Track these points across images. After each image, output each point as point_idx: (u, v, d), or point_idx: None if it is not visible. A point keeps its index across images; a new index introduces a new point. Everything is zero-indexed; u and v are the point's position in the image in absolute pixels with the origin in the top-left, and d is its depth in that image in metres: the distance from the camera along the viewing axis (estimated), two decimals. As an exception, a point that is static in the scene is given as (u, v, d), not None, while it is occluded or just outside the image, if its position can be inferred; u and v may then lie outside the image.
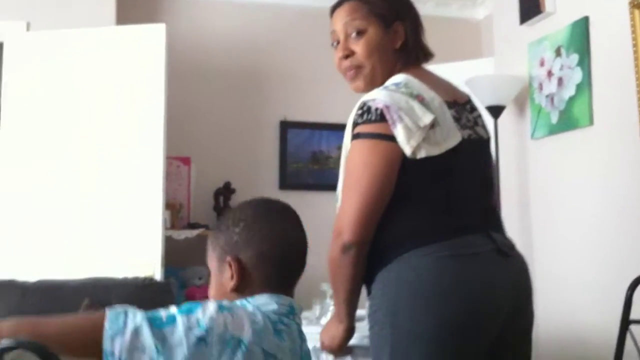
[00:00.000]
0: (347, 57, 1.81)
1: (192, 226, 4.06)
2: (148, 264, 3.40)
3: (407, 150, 1.59)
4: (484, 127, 1.82)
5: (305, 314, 3.07)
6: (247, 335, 1.22)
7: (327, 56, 4.85)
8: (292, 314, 1.35)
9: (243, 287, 1.34)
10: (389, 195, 1.60)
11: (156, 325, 1.18)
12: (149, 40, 3.55)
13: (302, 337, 1.37)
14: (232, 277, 1.33)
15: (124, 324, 1.17)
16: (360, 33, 1.79)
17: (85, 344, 1.17)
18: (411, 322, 1.58)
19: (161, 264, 3.42)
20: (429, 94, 1.66)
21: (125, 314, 1.20)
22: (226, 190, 4.20)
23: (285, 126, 4.48)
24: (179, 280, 3.93)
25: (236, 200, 4.23)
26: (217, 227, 1.42)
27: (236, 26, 4.50)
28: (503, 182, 3.68)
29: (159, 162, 3.47)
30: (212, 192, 4.21)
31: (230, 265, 1.33)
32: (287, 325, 1.32)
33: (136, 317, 1.19)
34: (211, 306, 1.23)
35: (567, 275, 3.22)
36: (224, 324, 1.21)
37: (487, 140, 1.82)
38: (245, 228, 1.35)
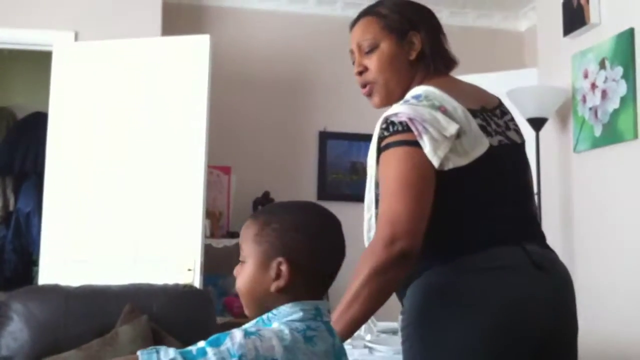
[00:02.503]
0: (361, 73, 1.80)
1: (231, 235, 4.10)
2: (188, 272, 3.44)
3: (435, 162, 1.54)
4: (516, 131, 1.75)
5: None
6: (278, 353, 1.21)
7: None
8: (319, 316, 1.32)
9: (286, 291, 1.31)
10: (431, 201, 1.55)
11: (189, 359, 1.17)
12: (194, 51, 3.60)
13: (332, 334, 1.34)
14: (277, 277, 1.30)
15: None
16: (373, 48, 1.77)
17: None
18: (440, 336, 1.56)
19: (201, 272, 3.46)
20: (451, 103, 1.62)
21: (157, 351, 1.18)
22: (265, 200, 4.23)
23: (325, 137, 4.50)
24: (218, 289, 3.97)
25: (275, 209, 4.26)
26: (267, 219, 1.35)
27: (278, 37, 4.54)
28: (545, 196, 3.63)
29: (200, 171, 3.52)
30: (251, 201, 4.24)
31: (279, 266, 1.29)
32: (315, 329, 1.30)
33: (168, 352, 1.18)
34: (238, 334, 1.21)
35: (610, 289, 3.16)
36: (254, 349, 1.19)
37: (522, 145, 1.76)
38: (304, 234, 1.32)
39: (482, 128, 1.63)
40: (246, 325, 1.28)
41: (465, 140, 1.59)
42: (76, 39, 3.85)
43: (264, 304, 1.31)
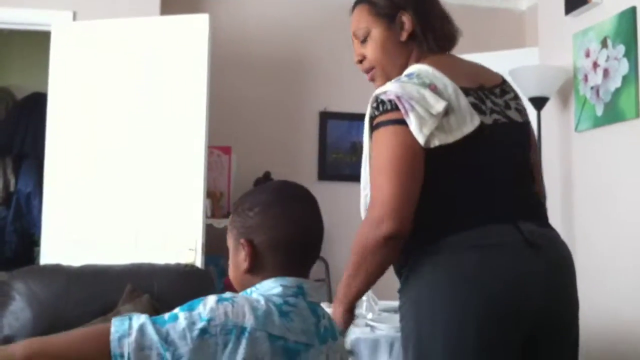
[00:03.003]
0: (360, 61, 1.84)
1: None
2: (189, 251, 3.45)
3: (421, 140, 1.56)
4: (518, 110, 1.75)
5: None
6: (249, 322, 1.24)
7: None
8: (300, 294, 1.35)
9: (256, 270, 1.35)
10: (420, 180, 1.57)
11: (159, 323, 1.21)
12: (192, 30, 3.58)
13: (317, 314, 1.36)
14: (245, 259, 1.35)
15: (129, 326, 1.20)
16: (366, 37, 1.82)
17: (95, 351, 1.20)
18: (432, 313, 1.58)
19: (202, 251, 3.47)
20: (442, 81, 1.63)
21: (130, 317, 1.22)
22: (266, 180, 4.22)
23: (325, 117, 4.49)
24: (219, 268, 3.98)
25: (276, 189, 4.26)
26: (234, 208, 1.42)
27: (278, 17, 4.51)
28: (546, 175, 3.62)
29: (200, 151, 3.51)
30: (252, 181, 4.24)
31: (243, 248, 1.35)
32: (294, 305, 1.32)
33: (140, 318, 1.22)
34: (211, 299, 1.25)
35: (611, 268, 3.17)
36: (224, 314, 1.23)
37: (523, 124, 1.76)
38: (259, 213, 1.36)
39: (475, 106, 1.64)
40: (224, 294, 1.31)
41: (453, 118, 1.60)
42: (74, 18, 3.82)
43: (246, 287, 1.35)
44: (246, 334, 1.22)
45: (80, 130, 3.60)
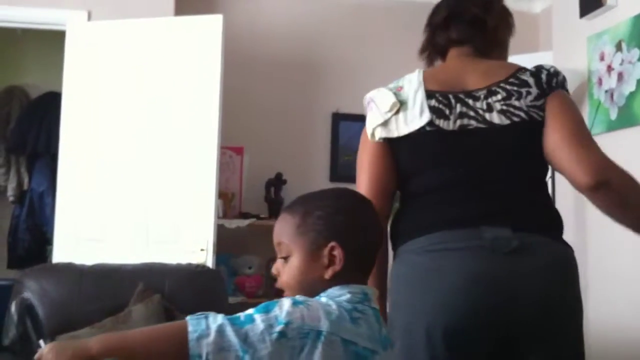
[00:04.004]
0: None
1: (243, 215, 4.11)
2: (200, 251, 3.46)
3: (368, 133, 1.76)
4: (505, 111, 1.68)
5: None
6: (324, 325, 1.22)
7: (381, 50, 4.84)
8: (366, 301, 1.32)
9: (341, 275, 1.32)
10: (380, 168, 1.73)
11: (237, 324, 1.19)
12: (207, 31, 3.59)
13: (379, 322, 1.34)
14: (329, 264, 1.31)
15: (206, 326, 1.17)
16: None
17: (173, 349, 1.18)
18: (390, 318, 1.64)
19: (213, 252, 3.48)
20: (413, 84, 1.75)
21: (206, 317, 1.20)
22: (278, 181, 4.23)
23: (338, 118, 4.48)
24: (229, 268, 3.99)
25: (287, 191, 4.26)
26: (306, 209, 1.35)
27: (292, 18, 4.52)
28: (558, 180, 3.61)
29: (213, 151, 3.53)
30: (263, 182, 4.25)
31: (331, 252, 1.31)
32: (362, 312, 1.29)
33: (217, 318, 1.20)
34: (286, 302, 1.23)
35: (624, 274, 3.15)
36: (301, 317, 1.21)
37: (508, 127, 1.67)
38: (352, 219, 1.34)
39: (435, 109, 1.69)
40: (296, 297, 1.28)
41: (403, 116, 1.71)
42: (89, 18, 3.84)
43: (316, 293, 1.31)
44: (322, 338, 1.21)
45: (94, 129, 3.62)
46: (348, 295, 1.30)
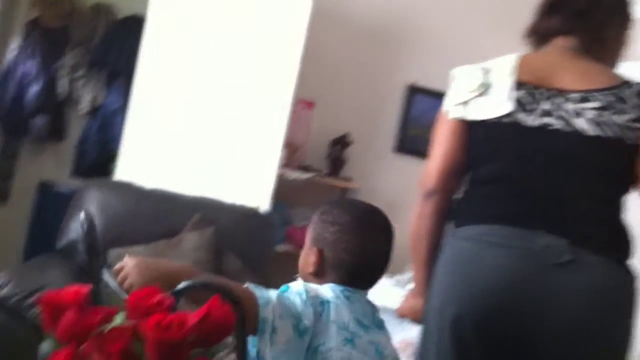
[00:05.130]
0: None
1: (304, 169, 4.15)
2: (257, 196, 3.51)
3: (447, 109, 1.75)
4: (598, 122, 1.60)
5: (396, 277, 3.11)
6: (329, 296, 1.41)
7: (470, 26, 4.70)
8: (355, 295, 1.47)
9: (320, 276, 1.49)
10: (453, 146, 1.73)
11: (285, 297, 1.34)
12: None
13: (373, 306, 1.50)
14: (312, 263, 1.49)
15: (268, 295, 1.31)
16: None
17: (252, 308, 1.27)
18: (428, 299, 1.71)
19: (270, 198, 3.53)
20: (503, 69, 1.70)
21: (262, 287, 1.34)
22: (343, 141, 4.25)
23: (413, 90, 4.45)
24: (282, 217, 4.04)
25: (350, 153, 4.28)
26: (321, 214, 1.54)
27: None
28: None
29: (287, 102, 3.56)
30: (329, 140, 4.27)
31: (314, 254, 1.49)
32: (353, 292, 1.46)
33: (270, 290, 1.34)
34: (295, 284, 1.40)
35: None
36: (312, 290, 1.39)
37: (595, 138, 1.59)
38: (337, 232, 1.48)
39: (520, 101, 1.65)
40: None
41: (485, 100, 1.68)
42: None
43: (308, 282, 1.48)
44: (331, 304, 1.38)
45: (173, 59, 3.67)
46: (339, 289, 1.45)
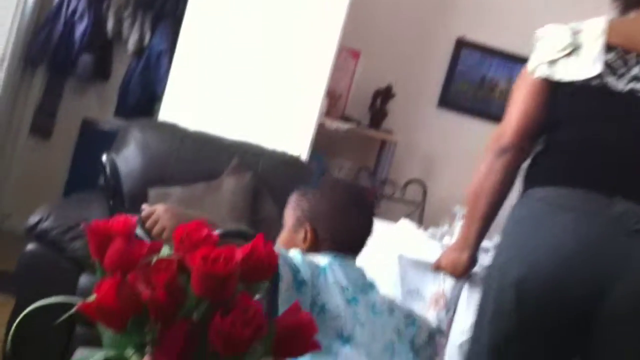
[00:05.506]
0: None
1: (345, 119, 4.12)
2: (297, 144, 3.51)
3: (530, 68, 1.69)
4: None
5: (431, 230, 3.10)
6: (323, 262, 1.47)
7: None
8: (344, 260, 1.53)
9: (312, 251, 1.53)
10: (535, 105, 1.68)
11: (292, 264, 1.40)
12: None
13: (363, 272, 1.55)
14: (304, 240, 1.55)
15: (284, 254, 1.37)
16: None
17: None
18: (494, 257, 1.70)
19: (309, 147, 3.53)
20: (593, 31, 1.65)
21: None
22: (386, 93, 4.20)
23: (461, 44, 4.36)
24: (321, 166, 4.04)
25: (393, 105, 4.23)
26: (303, 192, 1.62)
27: None
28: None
29: (331, 50, 3.52)
30: (372, 90, 4.22)
31: (306, 231, 1.55)
32: (343, 258, 1.51)
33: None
34: (293, 253, 1.45)
35: None
36: (308, 257, 1.45)
37: None
38: (327, 205, 1.57)
39: (609, 65, 1.60)
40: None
41: (573, 60, 1.63)
42: None
43: None
44: (328, 269, 1.45)
45: (221, 4, 3.64)
46: (329, 258, 1.51)
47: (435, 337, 1.59)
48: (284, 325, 0.85)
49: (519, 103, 1.70)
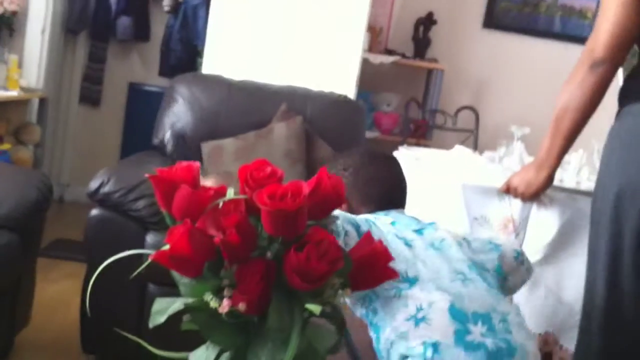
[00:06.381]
0: None
1: (389, 52, 4.04)
2: (343, 82, 3.47)
3: None
4: None
5: (487, 154, 3.04)
6: (360, 220, 1.42)
7: None
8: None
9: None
10: (633, 16, 1.59)
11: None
12: None
13: (417, 219, 1.52)
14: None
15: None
16: None
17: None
18: (598, 175, 1.63)
19: (356, 84, 3.48)
20: None
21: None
22: (428, 21, 4.09)
23: (501, -40, 4.20)
24: (369, 103, 3.99)
25: (436, 32, 4.13)
26: (330, 167, 1.58)
27: None
28: None
29: (368, -18, 3.44)
30: (413, 20, 4.12)
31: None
32: (393, 216, 1.50)
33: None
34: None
35: None
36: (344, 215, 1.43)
37: None
38: (353, 173, 1.56)
39: None
40: None
41: None
42: None
43: None
44: (377, 222, 1.44)
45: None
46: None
47: (525, 256, 1.56)
48: (359, 255, 0.84)
49: (610, 13, 1.61)
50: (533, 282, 2.02)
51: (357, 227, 1.36)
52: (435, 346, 1.21)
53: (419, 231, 1.45)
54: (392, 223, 1.46)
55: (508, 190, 1.90)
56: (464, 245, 1.47)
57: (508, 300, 1.46)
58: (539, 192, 1.82)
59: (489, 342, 1.23)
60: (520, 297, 2.08)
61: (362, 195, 1.56)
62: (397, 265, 1.31)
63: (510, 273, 1.51)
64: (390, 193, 1.59)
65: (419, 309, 1.25)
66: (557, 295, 2.11)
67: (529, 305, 2.09)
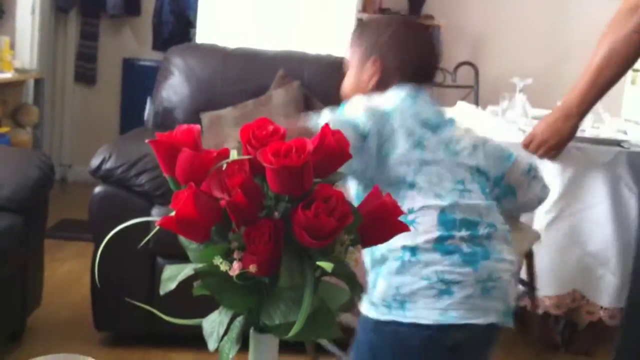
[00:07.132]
0: None
1: (382, 11, 3.99)
2: (339, 44, 3.43)
3: None
4: None
5: (491, 108, 3.02)
6: (394, 106, 1.40)
7: None
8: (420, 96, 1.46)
9: (382, 86, 1.45)
10: None
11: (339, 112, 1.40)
12: None
13: (440, 107, 1.48)
14: (371, 77, 1.45)
15: (320, 120, 1.34)
16: None
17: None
18: None
19: (351, 46, 3.44)
20: None
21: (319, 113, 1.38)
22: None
23: None
24: (367, 64, 3.95)
25: (430, -11, 4.07)
26: (364, 25, 1.54)
27: None
28: None
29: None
30: (406, -21, 4.07)
31: (373, 64, 1.45)
32: (417, 93, 1.44)
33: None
34: (356, 98, 1.43)
35: None
36: (372, 102, 1.40)
37: None
38: (391, 34, 1.46)
39: None
40: None
41: None
42: None
43: None
44: (394, 112, 1.39)
45: None
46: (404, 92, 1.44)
47: (538, 172, 1.52)
48: (368, 210, 0.82)
49: None
50: (553, 240, 2.01)
51: (356, 128, 1.34)
52: (414, 250, 1.29)
53: (436, 127, 1.42)
54: (412, 109, 1.42)
55: (529, 143, 1.85)
56: (479, 148, 1.44)
57: (499, 212, 1.43)
58: (566, 142, 1.78)
59: (465, 245, 1.30)
60: (544, 257, 2.07)
61: (398, 59, 1.46)
62: (400, 167, 1.35)
63: (518, 186, 1.48)
64: (427, 60, 1.51)
65: (411, 211, 1.32)
66: (582, 247, 2.10)
67: (553, 264, 2.08)
